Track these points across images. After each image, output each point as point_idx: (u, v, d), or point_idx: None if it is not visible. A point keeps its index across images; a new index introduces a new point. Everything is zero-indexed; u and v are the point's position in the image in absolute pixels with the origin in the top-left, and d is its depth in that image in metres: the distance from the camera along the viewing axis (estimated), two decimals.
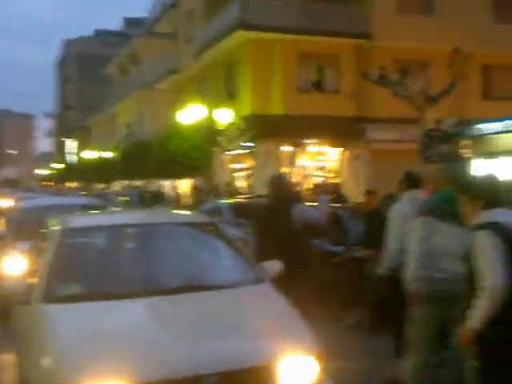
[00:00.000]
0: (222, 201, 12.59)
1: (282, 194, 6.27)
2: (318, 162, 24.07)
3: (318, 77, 23.58)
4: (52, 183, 60.33)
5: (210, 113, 20.97)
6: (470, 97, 21.71)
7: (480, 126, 17.33)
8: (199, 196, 20.02)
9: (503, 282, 3.34)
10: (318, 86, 23.61)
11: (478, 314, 3.36)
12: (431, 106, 14.39)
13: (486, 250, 3.46)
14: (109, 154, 36.66)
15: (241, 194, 20.29)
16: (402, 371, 4.98)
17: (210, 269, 4.84)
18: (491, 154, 15.60)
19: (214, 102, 22.72)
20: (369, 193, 8.22)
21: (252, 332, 3.73)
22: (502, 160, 16.02)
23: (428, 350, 4.80)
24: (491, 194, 3.77)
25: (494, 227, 3.52)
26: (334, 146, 23.78)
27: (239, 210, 11.08)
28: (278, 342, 3.58)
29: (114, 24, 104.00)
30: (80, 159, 47.71)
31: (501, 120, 17.32)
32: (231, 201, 12.58)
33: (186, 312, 3.95)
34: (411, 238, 4.83)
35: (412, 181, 6.11)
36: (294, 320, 3.91)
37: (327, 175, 23.34)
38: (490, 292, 3.33)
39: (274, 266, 4.82)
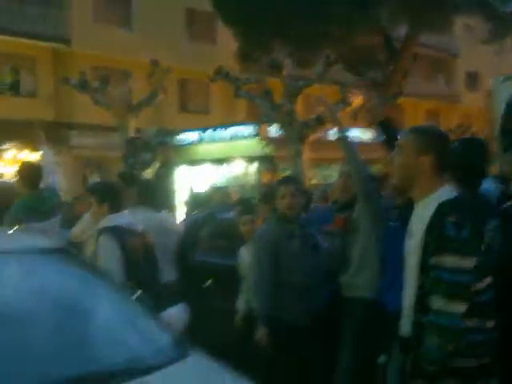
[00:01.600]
0: None
1: None
2: (15, 168, 22.85)
3: (14, 78, 22.55)
4: None
5: None
6: (169, 108, 23.08)
7: (179, 136, 18.63)
8: None
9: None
10: (14, 88, 22.58)
11: None
12: (132, 115, 14.99)
13: (106, 252, 3.71)
14: None
15: None
16: None
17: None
18: (190, 162, 16.93)
19: None
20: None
21: None
22: (199, 168, 17.55)
23: None
24: (114, 197, 4.04)
25: (112, 231, 3.80)
26: (34, 150, 22.90)
27: None
28: None
29: None
30: None
31: (196, 131, 18.95)
32: None
33: None
34: None
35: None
36: None
37: None
38: None
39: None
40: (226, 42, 23.70)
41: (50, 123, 22.16)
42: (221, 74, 13.18)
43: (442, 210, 2.53)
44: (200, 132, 18.58)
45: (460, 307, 2.47)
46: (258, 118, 19.47)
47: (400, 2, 18.91)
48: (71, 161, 22.81)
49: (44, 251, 2.87)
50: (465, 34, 34.34)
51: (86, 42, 22.04)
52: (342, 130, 4.10)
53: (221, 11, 20.93)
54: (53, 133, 22.20)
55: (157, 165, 11.36)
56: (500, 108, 6.67)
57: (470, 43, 34.60)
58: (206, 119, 24.88)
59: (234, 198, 9.02)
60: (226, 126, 18.52)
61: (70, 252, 3.09)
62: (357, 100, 13.63)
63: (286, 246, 4.10)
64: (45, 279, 2.69)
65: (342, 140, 4.09)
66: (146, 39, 23.12)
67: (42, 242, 3.15)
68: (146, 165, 13.04)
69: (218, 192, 9.09)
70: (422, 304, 2.60)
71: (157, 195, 5.84)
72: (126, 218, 4.07)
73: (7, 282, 2.56)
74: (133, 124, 15.83)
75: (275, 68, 12.38)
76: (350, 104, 13.35)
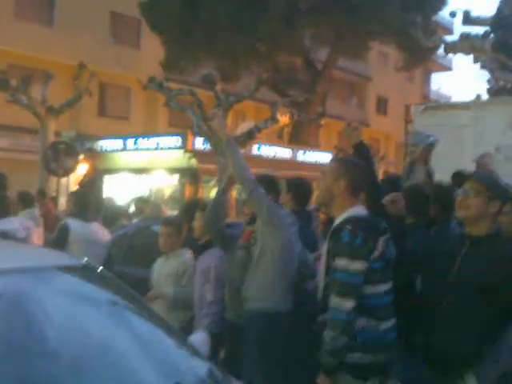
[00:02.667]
0: None
1: None
2: None
3: None
4: None
5: None
6: (87, 112, 22.56)
7: (101, 142, 18.23)
8: None
9: None
10: None
11: None
12: (53, 118, 14.57)
13: None
14: None
15: None
16: None
17: None
18: (112, 170, 16.61)
19: None
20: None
21: None
22: (121, 176, 17.21)
23: None
24: None
25: None
26: None
27: None
28: None
29: None
30: None
31: (119, 138, 18.59)
32: None
33: None
34: None
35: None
36: None
37: None
38: None
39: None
40: (151, 49, 23.59)
41: None
42: (154, 82, 13.14)
43: (343, 221, 3.06)
44: (123, 139, 18.31)
45: (348, 304, 2.88)
46: (182, 128, 19.53)
47: (322, 25, 19.65)
48: None
49: (67, 268, 2.67)
50: (379, 61, 36.03)
51: (5, 38, 21.16)
52: (228, 138, 4.03)
53: (149, 18, 20.86)
54: None
55: (83, 171, 11.15)
56: (414, 135, 7.03)
57: (382, 69, 36.37)
58: (125, 125, 24.56)
59: (165, 212, 9.06)
60: (150, 135, 18.40)
61: (92, 268, 2.83)
62: (283, 118, 14.04)
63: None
64: (74, 300, 2.45)
65: (229, 145, 3.96)
66: (69, 39, 22.55)
67: (63, 258, 2.97)
68: (69, 171, 12.74)
69: (147, 204, 9.05)
70: (325, 303, 3.03)
71: (89, 206, 5.89)
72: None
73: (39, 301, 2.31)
74: (52, 127, 15.38)
75: (208, 83, 12.53)
76: (277, 121, 13.72)
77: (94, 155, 11.55)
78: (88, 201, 5.94)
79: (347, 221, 3.04)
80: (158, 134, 18.40)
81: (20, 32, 21.54)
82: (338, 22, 18.60)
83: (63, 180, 15.11)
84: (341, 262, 2.95)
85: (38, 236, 6.46)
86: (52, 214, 9.85)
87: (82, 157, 13.13)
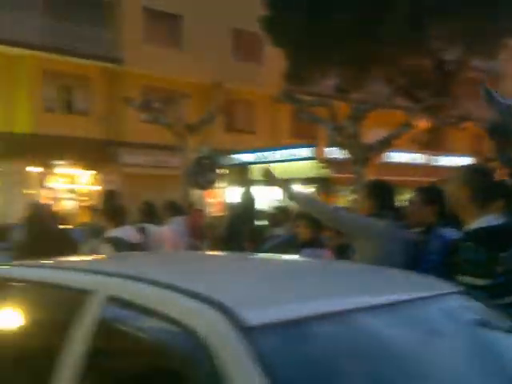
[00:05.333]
0: None
1: (41, 218, 7.14)
2: (68, 185, 23.39)
3: (67, 97, 23.09)
4: None
5: None
6: (217, 128, 23.39)
7: (237, 156, 18.86)
8: None
9: None
10: (67, 106, 23.11)
11: None
12: (191, 135, 15.29)
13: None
14: None
15: None
16: None
17: None
18: (246, 182, 17.09)
19: None
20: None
21: None
22: (257, 188, 17.71)
23: None
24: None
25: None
26: (86, 168, 23.40)
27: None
28: None
29: None
30: None
31: (251, 152, 19.20)
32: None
33: None
34: None
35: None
36: None
37: (80, 198, 22.80)
38: None
39: None
40: (272, 62, 24.03)
41: (100, 141, 22.62)
42: (286, 95, 13.38)
43: (469, 233, 2.98)
44: (254, 153, 18.81)
45: None
46: (305, 139, 19.67)
47: (452, 24, 18.93)
48: (121, 178, 23.24)
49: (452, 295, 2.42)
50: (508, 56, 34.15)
51: (138, 61, 22.50)
52: (288, 188, 3.99)
53: (270, 33, 21.24)
54: (103, 151, 22.68)
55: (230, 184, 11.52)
56: None
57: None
58: (251, 139, 25.16)
59: None
60: (281, 147, 18.73)
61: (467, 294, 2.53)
62: (419, 123, 13.71)
63: None
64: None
65: (294, 197, 3.96)
66: (195, 59, 23.53)
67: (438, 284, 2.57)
68: (212, 184, 13.30)
69: (286, 214, 9.17)
70: None
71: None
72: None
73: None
74: (191, 144, 16.11)
75: (341, 91, 12.52)
76: (413, 127, 13.42)
77: (243, 169, 11.93)
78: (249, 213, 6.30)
79: (472, 234, 2.98)
80: (288, 146, 18.69)
81: (150, 56, 22.80)
82: (469, 20, 17.86)
83: (198, 192, 15.77)
84: (466, 279, 2.90)
85: (174, 242, 6.97)
86: (199, 223, 10.22)
87: (223, 171, 13.64)
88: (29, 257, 6.96)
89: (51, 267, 2.89)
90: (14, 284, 2.78)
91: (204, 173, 12.70)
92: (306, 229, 5.22)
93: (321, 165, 15.96)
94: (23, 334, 2.58)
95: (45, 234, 7.17)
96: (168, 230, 6.91)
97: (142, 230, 6.25)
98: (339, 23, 18.76)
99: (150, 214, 6.92)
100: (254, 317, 1.86)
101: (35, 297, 2.65)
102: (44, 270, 2.80)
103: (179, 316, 1.93)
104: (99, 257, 4.27)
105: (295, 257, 4.20)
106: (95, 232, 6.68)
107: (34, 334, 2.51)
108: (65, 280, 2.53)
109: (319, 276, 2.59)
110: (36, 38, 21.20)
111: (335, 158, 15.59)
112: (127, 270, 2.52)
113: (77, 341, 2.14)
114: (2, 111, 21.28)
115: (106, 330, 2.16)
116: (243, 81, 24.85)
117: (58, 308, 2.52)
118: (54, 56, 21.47)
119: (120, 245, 5.08)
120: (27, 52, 21.25)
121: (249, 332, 1.79)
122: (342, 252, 5.11)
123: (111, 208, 5.77)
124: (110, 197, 6.96)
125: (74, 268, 2.79)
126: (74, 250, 6.90)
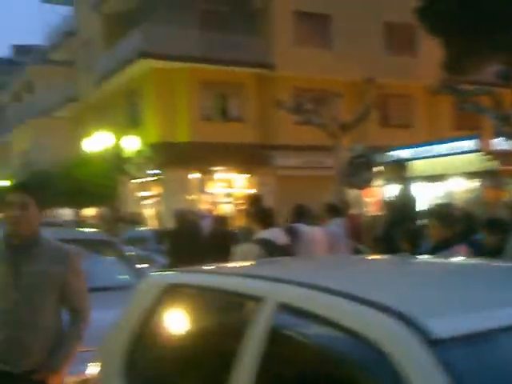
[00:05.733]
0: (143, 229, 12.37)
1: (186, 223, 8.40)
2: (225, 189, 24.18)
3: (222, 105, 23.85)
4: None
5: (116, 141, 20.55)
6: (371, 125, 22.81)
7: (392, 153, 18.16)
8: (106, 225, 19.45)
9: None
10: (223, 113, 23.88)
11: None
12: (345, 134, 14.95)
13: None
14: (5, 183, 34.90)
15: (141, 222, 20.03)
16: None
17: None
18: (404, 180, 16.39)
19: (118, 130, 22.28)
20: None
21: None
22: (415, 185, 16.92)
23: None
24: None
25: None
26: (241, 172, 24.04)
27: (160, 238, 10.95)
28: None
29: (1, 52, 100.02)
30: None
31: (409, 147, 18.37)
32: (153, 229, 12.40)
33: None
34: None
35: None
36: None
37: (236, 202, 23.44)
38: None
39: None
40: (427, 53, 22.89)
41: (255, 145, 23.08)
42: (445, 86, 12.53)
43: None
44: (412, 148, 17.96)
45: None
46: (469, 131, 18.37)
47: None
48: (275, 181, 23.55)
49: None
50: None
51: (288, 65, 22.62)
52: None
53: (426, 22, 20.21)
54: (258, 155, 23.11)
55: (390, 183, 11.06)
56: None
57: None
58: (407, 133, 24.18)
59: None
60: (442, 140, 17.71)
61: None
62: None
63: None
64: None
65: None
66: (345, 57, 23.13)
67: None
68: (368, 183, 12.86)
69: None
70: None
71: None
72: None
73: None
74: (345, 143, 15.74)
75: (505, 78, 11.44)
76: None
77: (399, 165, 11.37)
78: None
79: None
80: (450, 139, 17.58)
81: (301, 57, 22.80)
82: None
83: (354, 192, 15.36)
84: None
85: (330, 244, 6.82)
86: (357, 224, 10.05)
87: (379, 168, 13.15)
88: (177, 260, 7.46)
89: (219, 273, 2.92)
90: (183, 290, 2.83)
91: (359, 172, 12.33)
92: (438, 228, 4.92)
93: (486, 157, 14.76)
94: (196, 337, 2.64)
95: (190, 238, 7.73)
96: (320, 231, 6.69)
97: (291, 231, 6.22)
98: (499, 6, 17.38)
99: (302, 215, 6.77)
100: (442, 329, 1.69)
101: (206, 302, 2.73)
102: (212, 277, 2.84)
103: (355, 325, 1.81)
104: (264, 262, 4.18)
105: (459, 259, 3.90)
106: (246, 234, 6.69)
107: (208, 339, 2.58)
108: (236, 286, 2.51)
109: (494, 280, 2.34)
110: (194, 51, 22.17)
111: (502, 150, 14.35)
112: (297, 277, 2.44)
113: (250, 347, 2.11)
114: (164, 123, 22.52)
115: (277, 338, 2.10)
116: (397, 75, 23.97)
117: (230, 313, 2.60)
118: (210, 67, 22.30)
119: (268, 246, 5.07)
120: (186, 65, 22.28)
121: (436, 345, 1.63)
122: (496, 252, 5.01)
123: (258, 211, 5.78)
124: (255, 200, 6.99)
125: (244, 274, 2.76)
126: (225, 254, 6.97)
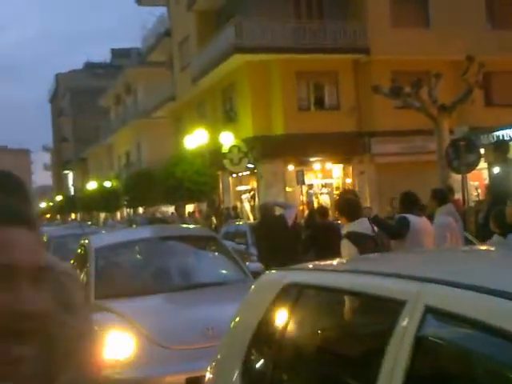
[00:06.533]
0: (241, 223, 12.45)
1: (269, 216, 8.55)
2: (323, 180, 23.88)
3: (317, 94, 23.50)
4: (48, 216, 60.05)
5: (212, 137, 20.83)
6: (474, 105, 21.64)
7: (497, 133, 17.10)
8: (206, 220, 19.82)
9: None
10: (318, 103, 23.52)
11: None
12: (445, 116, 14.25)
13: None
14: (109, 184, 36.62)
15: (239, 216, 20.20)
16: None
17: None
18: (510, 162, 15.39)
19: (214, 126, 22.55)
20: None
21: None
22: None
23: None
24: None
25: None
26: (339, 162, 23.65)
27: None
28: None
29: (101, 56, 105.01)
30: (84, 190, 47.61)
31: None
32: (249, 223, 12.43)
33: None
34: None
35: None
36: None
37: (334, 192, 23.09)
38: None
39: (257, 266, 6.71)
40: None
41: (351, 134, 22.57)
42: None
43: None
44: None
45: None
46: None
47: None
48: (373, 168, 22.95)
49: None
50: None
51: (385, 48, 21.89)
52: None
53: None
54: (355, 143, 22.60)
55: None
56: None
57: None
58: None
59: None
60: None
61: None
62: None
63: None
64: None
65: None
66: (444, 35, 22.02)
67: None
68: (472, 166, 12.15)
69: None
70: None
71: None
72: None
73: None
74: (446, 125, 14.98)
75: None
76: None
77: (504, 146, 10.62)
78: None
79: None
80: None
81: (397, 39, 21.98)
82: None
83: (457, 176, 14.63)
84: None
85: (457, 232, 6.59)
86: (461, 210, 9.61)
87: (483, 150, 12.40)
88: (264, 253, 7.89)
89: (349, 272, 2.59)
90: (304, 290, 2.60)
91: (462, 155, 11.66)
92: None
93: None
94: (322, 342, 2.54)
95: (272, 230, 7.73)
96: (425, 221, 6.30)
97: (400, 222, 6.21)
98: None
99: (411, 204, 6.37)
100: None
101: (332, 303, 2.56)
102: (339, 275, 2.57)
103: None
104: (388, 256, 3.80)
105: None
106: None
107: (338, 344, 2.47)
108: (372, 287, 2.15)
109: None
110: (287, 41, 22.01)
111: None
112: (437, 274, 2.02)
113: (395, 354, 1.79)
114: (260, 116, 22.52)
115: (425, 344, 1.78)
116: (502, 50, 22.52)
117: (363, 316, 2.42)
118: (304, 56, 22.02)
119: (358, 239, 5.09)
120: (280, 56, 22.15)
121: None
122: None
123: (343, 202, 5.75)
124: (343, 192, 6.96)
125: (375, 273, 2.34)
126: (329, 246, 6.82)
